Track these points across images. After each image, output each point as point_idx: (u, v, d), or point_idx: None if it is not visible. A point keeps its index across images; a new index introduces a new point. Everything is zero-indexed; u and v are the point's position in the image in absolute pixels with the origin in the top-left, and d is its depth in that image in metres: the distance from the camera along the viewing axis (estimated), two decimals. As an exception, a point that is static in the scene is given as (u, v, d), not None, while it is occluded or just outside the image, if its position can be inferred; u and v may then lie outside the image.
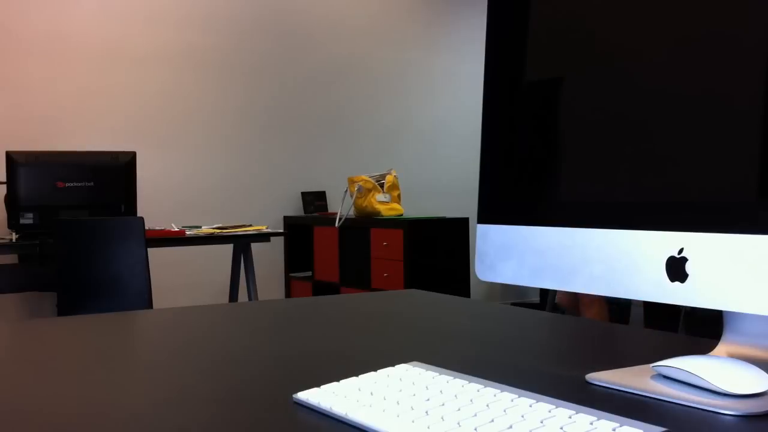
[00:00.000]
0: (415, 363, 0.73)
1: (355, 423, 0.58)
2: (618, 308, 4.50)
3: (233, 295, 4.10)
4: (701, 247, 0.64)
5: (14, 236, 3.36)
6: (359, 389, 0.64)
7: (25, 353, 0.88)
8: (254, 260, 3.92)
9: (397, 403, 0.60)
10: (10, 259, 3.80)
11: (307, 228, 5.03)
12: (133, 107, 4.55)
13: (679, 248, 0.65)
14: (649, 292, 0.68)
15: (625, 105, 0.72)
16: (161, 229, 3.65)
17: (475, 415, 0.55)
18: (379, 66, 5.47)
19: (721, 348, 0.72)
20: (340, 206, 4.53)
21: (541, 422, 0.53)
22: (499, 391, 0.61)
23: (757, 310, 0.60)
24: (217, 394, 0.69)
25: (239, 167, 4.92)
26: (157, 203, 4.48)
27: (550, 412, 0.55)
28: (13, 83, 4.22)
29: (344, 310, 1.24)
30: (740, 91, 0.63)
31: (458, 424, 0.54)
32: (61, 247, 3.03)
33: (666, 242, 0.66)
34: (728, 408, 0.60)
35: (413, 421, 0.55)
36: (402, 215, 4.63)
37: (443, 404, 0.58)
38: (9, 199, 3.35)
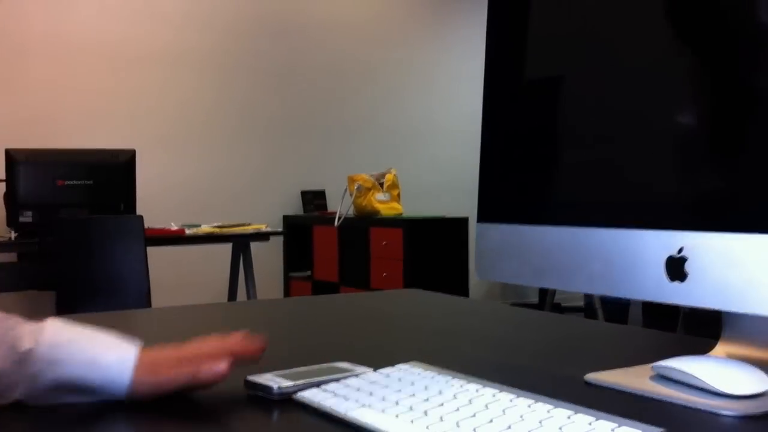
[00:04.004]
0: (414, 363, 0.73)
1: (355, 423, 0.58)
2: (617, 308, 4.50)
3: (232, 294, 4.10)
4: (701, 247, 0.64)
5: (13, 234, 3.35)
6: (359, 389, 0.64)
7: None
8: (253, 259, 3.91)
9: (397, 403, 0.60)
10: (9, 257, 3.79)
11: (306, 227, 5.03)
12: (133, 106, 4.54)
13: (679, 248, 0.65)
14: (649, 291, 0.68)
15: (625, 104, 0.72)
16: (161, 228, 3.65)
17: (474, 415, 0.56)
18: (379, 65, 5.47)
19: (719, 348, 0.72)
20: (340, 205, 4.53)
21: (540, 423, 0.53)
22: (497, 391, 0.61)
23: (757, 310, 0.60)
24: (216, 392, 0.69)
25: (239, 166, 4.92)
26: (156, 202, 4.47)
27: (548, 412, 0.55)
28: (12, 82, 4.22)
29: (343, 310, 1.24)
30: (740, 90, 0.63)
31: (457, 424, 0.54)
32: (61, 245, 3.02)
33: (665, 242, 0.66)
34: (727, 408, 0.60)
35: (412, 422, 0.55)
36: (401, 214, 4.63)
37: (442, 404, 0.58)
38: (8, 198, 3.34)
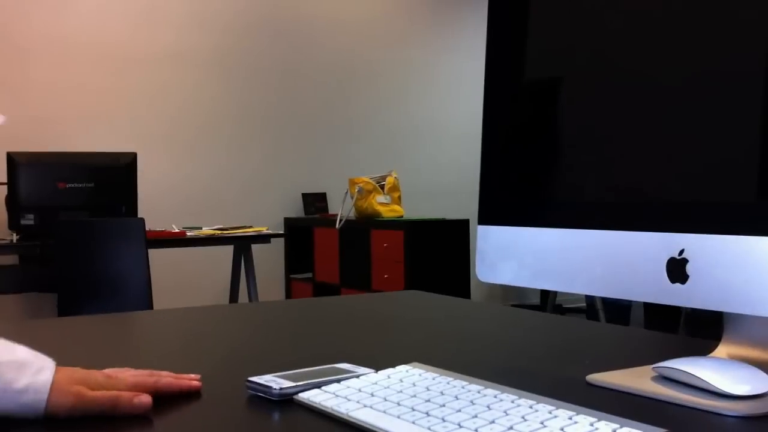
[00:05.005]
0: (415, 364, 0.73)
1: (357, 423, 0.58)
2: (618, 309, 4.50)
3: (233, 297, 4.09)
4: (702, 249, 0.64)
5: (15, 237, 3.36)
6: (360, 390, 0.64)
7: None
8: (255, 261, 3.91)
9: (398, 404, 0.60)
10: (10, 259, 3.80)
11: (307, 229, 5.03)
12: (134, 108, 4.55)
13: (680, 249, 0.65)
14: (650, 293, 0.68)
15: (626, 105, 0.72)
16: (162, 230, 3.65)
17: (476, 416, 0.56)
18: (380, 66, 5.47)
19: (721, 349, 0.72)
20: (341, 207, 4.53)
21: (542, 423, 0.53)
22: (499, 392, 0.61)
23: (758, 311, 0.60)
24: (218, 394, 0.69)
25: (240, 168, 4.92)
26: (157, 204, 4.47)
27: (550, 413, 0.55)
28: (14, 84, 4.22)
29: (345, 312, 1.24)
30: (741, 91, 0.63)
31: (459, 425, 0.54)
32: (62, 248, 3.02)
33: (667, 243, 0.66)
34: (729, 409, 0.60)
35: (414, 422, 0.55)
36: (402, 217, 4.63)
37: (444, 405, 0.58)
38: (10, 200, 3.35)
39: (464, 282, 4.48)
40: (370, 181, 4.58)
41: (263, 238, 3.89)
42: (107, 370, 0.68)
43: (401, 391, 0.63)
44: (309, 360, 0.82)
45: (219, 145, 4.84)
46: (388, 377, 0.68)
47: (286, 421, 0.61)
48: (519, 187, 0.83)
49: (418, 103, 5.61)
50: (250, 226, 4.03)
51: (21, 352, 0.63)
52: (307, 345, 0.95)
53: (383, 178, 4.64)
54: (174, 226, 3.94)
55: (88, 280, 3.04)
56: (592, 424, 0.53)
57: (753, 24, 0.62)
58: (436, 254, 4.40)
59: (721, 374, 0.64)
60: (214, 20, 4.81)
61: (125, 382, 0.66)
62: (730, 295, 0.61)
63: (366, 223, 4.58)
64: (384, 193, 4.59)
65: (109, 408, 0.62)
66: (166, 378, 0.69)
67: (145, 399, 0.63)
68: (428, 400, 0.60)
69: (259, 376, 0.69)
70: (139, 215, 3.37)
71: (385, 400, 0.61)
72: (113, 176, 3.47)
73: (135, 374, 0.68)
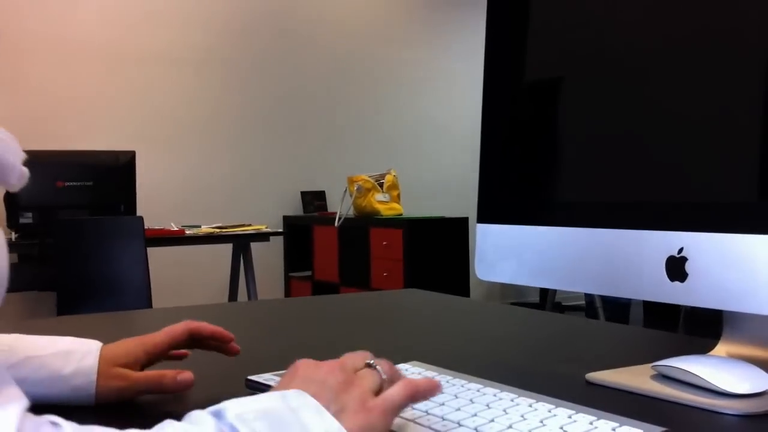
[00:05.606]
0: (414, 363, 0.73)
1: (356, 423, 0.58)
2: (618, 307, 4.50)
3: (233, 295, 4.09)
4: (701, 247, 0.64)
5: (13, 236, 3.35)
6: (359, 389, 0.64)
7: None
8: (254, 260, 3.91)
9: (397, 402, 0.60)
10: (9, 258, 3.79)
11: (306, 227, 5.03)
12: (133, 107, 4.54)
13: (679, 248, 0.65)
14: (649, 291, 0.68)
15: (625, 105, 0.72)
16: (161, 229, 3.65)
17: (475, 415, 0.56)
18: (379, 65, 5.47)
19: (720, 348, 0.72)
20: (340, 206, 4.53)
21: (541, 422, 0.53)
22: (499, 391, 0.61)
23: (757, 309, 0.60)
24: (217, 393, 0.69)
25: (239, 167, 4.91)
26: (156, 203, 4.47)
27: (550, 411, 0.55)
28: (12, 83, 4.22)
29: (344, 310, 1.24)
30: (740, 91, 0.63)
31: (458, 423, 0.54)
32: (61, 246, 3.02)
33: (666, 242, 0.66)
34: (728, 408, 0.60)
35: (414, 421, 0.55)
36: (401, 215, 4.63)
37: (443, 404, 0.58)
38: (8, 199, 3.35)
39: (463, 280, 4.48)
40: (369, 179, 4.57)
41: (262, 237, 3.88)
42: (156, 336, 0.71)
43: (401, 390, 0.63)
44: (308, 358, 0.82)
45: (218, 144, 4.84)
46: (388, 376, 0.68)
47: (286, 420, 0.61)
48: (518, 186, 0.83)
49: (418, 101, 5.61)
50: (249, 225, 4.03)
51: (66, 342, 0.66)
52: (306, 343, 0.95)
53: (382, 176, 4.64)
54: (173, 224, 3.94)
55: (87, 278, 3.04)
56: (591, 423, 0.53)
57: (753, 23, 0.62)
58: (436, 252, 4.40)
59: (720, 373, 0.64)
60: (212, 19, 4.80)
61: (158, 338, 0.70)
62: (729, 293, 0.61)
63: (365, 222, 4.58)
64: (383, 191, 4.58)
65: (155, 388, 0.66)
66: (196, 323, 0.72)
67: (188, 375, 0.67)
68: (427, 399, 0.60)
69: (258, 375, 0.69)
70: (138, 214, 3.37)
71: (385, 398, 0.61)
72: (112, 175, 3.47)
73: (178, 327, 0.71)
